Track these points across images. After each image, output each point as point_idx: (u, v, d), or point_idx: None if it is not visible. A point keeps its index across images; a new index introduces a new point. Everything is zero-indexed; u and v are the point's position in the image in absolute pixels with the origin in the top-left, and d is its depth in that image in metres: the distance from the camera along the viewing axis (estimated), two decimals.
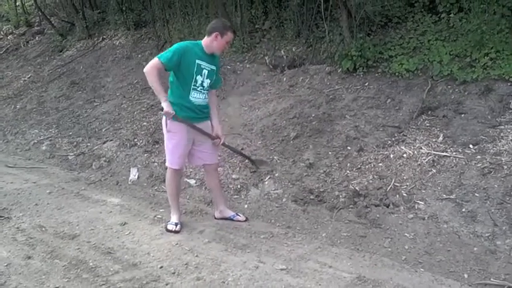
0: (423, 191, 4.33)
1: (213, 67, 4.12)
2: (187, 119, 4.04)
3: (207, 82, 4.09)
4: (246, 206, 4.83)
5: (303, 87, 6.44)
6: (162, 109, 3.90)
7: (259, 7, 8.03)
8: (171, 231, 4.19)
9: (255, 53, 7.60)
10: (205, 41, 4.07)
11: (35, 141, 7.43)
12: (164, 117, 4.08)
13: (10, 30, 13.45)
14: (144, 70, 3.92)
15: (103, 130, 7.18)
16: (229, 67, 7.51)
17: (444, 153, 4.63)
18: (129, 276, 3.42)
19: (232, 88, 7.08)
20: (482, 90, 5.07)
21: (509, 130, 4.59)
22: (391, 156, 4.85)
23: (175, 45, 3.98)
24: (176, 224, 4.24)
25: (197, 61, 3.99)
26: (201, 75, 4.03)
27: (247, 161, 5.10)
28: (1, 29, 13.67)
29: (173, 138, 4.12)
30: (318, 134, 5.44)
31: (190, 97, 4.04)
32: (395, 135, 5.10)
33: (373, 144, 5.07)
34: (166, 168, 5.64)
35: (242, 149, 5.48)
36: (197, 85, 4.04)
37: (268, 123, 5.92)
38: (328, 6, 6.59)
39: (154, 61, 3.89)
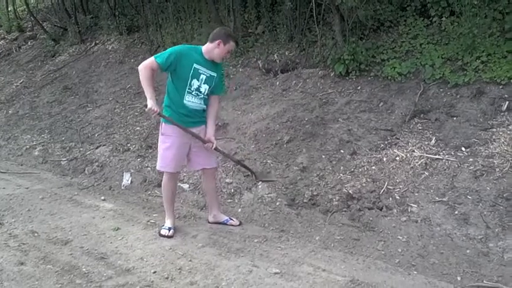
0: (416, 194, 4.35)
1: (213, 73, 4.11)
2: (181, 122, 4.04)
3: (204, 87, 4.08)
4: (239, 210, 4.82)
5: (296, 91, 6.45)
6: (146, 106, 3.90)
7: (252, 11, 8.05)
8: (164, 236, 4.18)
9: (248, 57, 7.61)
10: (206, 47, 4.08)
11: (28, 146, 7.39)
12: (161, 121, 4.12)
13: (2, 35, 13.40)
14: (139, 67, 3.95)
15: (96, 135, 7.16)
16: (222, 71, 7.52)
17: (437, 156, 4.64)
18: (122, 282, 3.41)
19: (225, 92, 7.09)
20: (474, 93, 5.10)
21: (501, 133, 4.62)
22: (384, 159, 4.86)
23: (172, 48, 4.00)
24: (169, 229, 4.23)
25: (194, 65, 3.99)
26: (198, 80, 4.03)
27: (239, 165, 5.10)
28: None
29: (165, 142, 4.12)
30: (311, 138, 5.44)
31: (184, 101, 4.04)
32: (388, 138, 5.12)
33: (366, 148, 5.08)
34: (159, 172, 5.70)
35: (235, 153, 5.48)
36: (192, 89, 4.03)
37: (261, 127, 5.92)
38: (321, 10, 6.61)
39: (150, 60, 3.93)
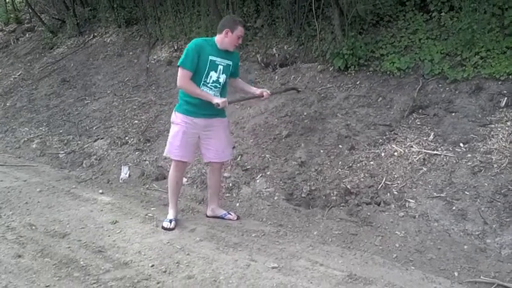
0: (414, 190, 4.35)
1: (229, 62, 4.16)
2: (188, 114, 4.09)
3: (223, 77, 4.13)
4: (237, 204, 4.83)
5: (294, 85, 6.43)
6: (218, 105, 3.98)
7: (251, 5, 8.01)
8: (166, 228, 4.20)
9: (246, 51, 7.58)
10: (217, 38, 4.11)
11: (26, 139, 7.37)
12: (174, 110, 4.22)
13: (0, 27, 13.34)
14: (179, 85, 4.05)
15: (94, 128, 7.15)
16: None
17: (435, 152, 4.65)
18: (120, 275, 3.42)
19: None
20: (472, 89, 5.10)
21: (499, 129, 4.62)
22: (382, 154, 4.86)
23: (189, 46, 4.02)
24: (171, 221, 4.25)
25: (210, 57, 4.03)
26: (216, 71, 4.07)
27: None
28: None
29: (173, 129, 4.18)
30: (309, 133, 5.44)
31: None
32: (387, 133, 5.12)
33: (365, 143, 5.08)
34: (157, 166, 5.71)
35: (234, 147, 5.46)
36: (208, 81, 4.07)
37: (260, 121, 5.91)
38: (320, 4, 6.58)
39: (182, 73, 3.98)
